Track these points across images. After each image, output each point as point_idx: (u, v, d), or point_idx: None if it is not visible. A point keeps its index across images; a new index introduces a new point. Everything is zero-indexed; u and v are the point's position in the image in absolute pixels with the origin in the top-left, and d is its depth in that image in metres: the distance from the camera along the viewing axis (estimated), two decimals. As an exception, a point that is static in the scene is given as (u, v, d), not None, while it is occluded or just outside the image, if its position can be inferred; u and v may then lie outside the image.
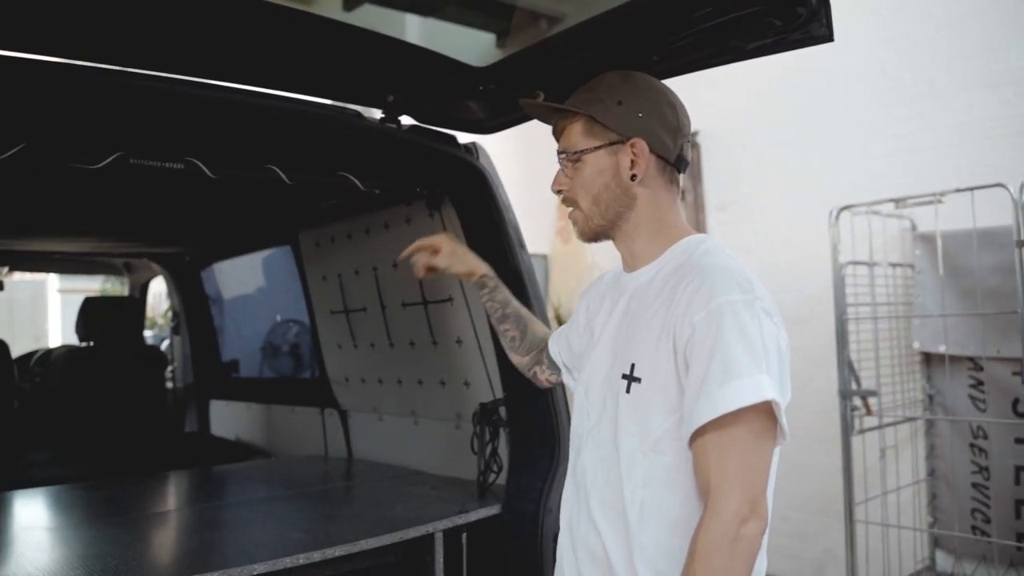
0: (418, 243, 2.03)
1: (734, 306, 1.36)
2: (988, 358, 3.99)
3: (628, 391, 1.45)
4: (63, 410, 4.11)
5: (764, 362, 1.34)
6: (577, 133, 1.57)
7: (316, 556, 1.97)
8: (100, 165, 1.89)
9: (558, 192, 1.60)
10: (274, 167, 2.14)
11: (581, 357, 1.69)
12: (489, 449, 2.47)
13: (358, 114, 2.18)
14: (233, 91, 1.97)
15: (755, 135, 5.48)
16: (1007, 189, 3.50)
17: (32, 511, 2.65)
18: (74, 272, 7.06)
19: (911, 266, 4.41)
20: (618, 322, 1.55)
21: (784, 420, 1.37)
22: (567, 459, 1.66)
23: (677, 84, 1.75)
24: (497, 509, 2.31)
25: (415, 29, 2.23)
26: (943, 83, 4.51)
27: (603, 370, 1.54)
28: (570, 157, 1.57)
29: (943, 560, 4.35)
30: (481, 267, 2.02)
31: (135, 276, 5.44)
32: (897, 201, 4.03)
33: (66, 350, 4.51)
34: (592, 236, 1.60)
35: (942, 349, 4.15)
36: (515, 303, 2.03)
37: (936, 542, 4.37)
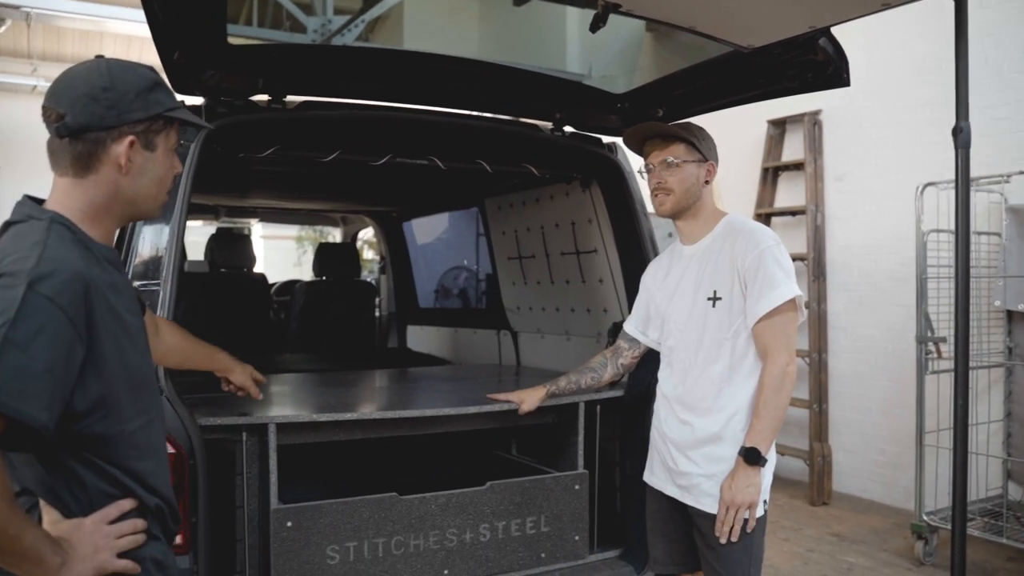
0: (508, 396, 2.88)
1: (771, 248, 2.39)
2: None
3: (714, 306, 2.47)
4: (306, 325, 5.43)
5: (790, 277, 2.38)
6: (682, 150, 2.53)
7: (485, 408, 2.86)
8: (380, 162, 3.09)
9: (656, 184, 2.55)
10: (482, 162, 3.27)
11: (660, 309, 2.64)
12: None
13: (535, 126, 3.29)
14: (459, 115, 3.09)
15: (868, 115, 6.04)
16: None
17: (289, 383, 3.54)
18: (302, 224, 8.48)
19: (998, 234, 5.04)
20: (693, 274, 2.54)
21: (803, 307, 2.40)
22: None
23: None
24: (621, 392, 3.29)
25: (578, 69, 3.33)
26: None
27: (687, 303, 2.53)
28: (675, 163, 2.52)
29: (1014, 490, 5.00)
30: (541, 393, 2.86)
31: (348, 227, 6.75)
32: (972, 180, 4.70)
33: (307, 282, 5.80)
34: (674, 213, 2.57)
35: (1022, 307, 4.80)
36: (571, 374, 2.88)
37: (1009, 474, 5.02)
